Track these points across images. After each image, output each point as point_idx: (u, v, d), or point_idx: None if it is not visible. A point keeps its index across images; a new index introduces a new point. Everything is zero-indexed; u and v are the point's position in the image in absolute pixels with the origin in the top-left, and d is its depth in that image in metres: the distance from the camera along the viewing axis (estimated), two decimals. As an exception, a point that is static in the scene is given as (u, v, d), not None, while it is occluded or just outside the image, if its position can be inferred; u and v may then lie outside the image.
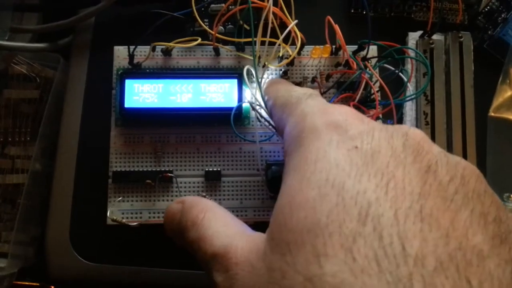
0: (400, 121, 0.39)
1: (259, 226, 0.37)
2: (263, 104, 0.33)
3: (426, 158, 0.19)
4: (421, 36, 0.40)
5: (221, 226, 0.25)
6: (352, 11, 0.43)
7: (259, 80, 0.35)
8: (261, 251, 0.20)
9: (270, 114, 0.32)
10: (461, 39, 0.40)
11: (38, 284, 0.43)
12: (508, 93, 0.41)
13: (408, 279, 0.15)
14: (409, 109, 0.39)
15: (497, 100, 0.41)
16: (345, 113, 0.23)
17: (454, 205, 0.18)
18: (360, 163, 0.19)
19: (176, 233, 0.27)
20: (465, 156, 0.38)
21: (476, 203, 0.18)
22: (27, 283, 0.43)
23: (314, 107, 0.25)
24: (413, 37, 0.41)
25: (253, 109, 0.35)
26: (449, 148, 0.38)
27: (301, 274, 0.17)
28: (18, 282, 0.43)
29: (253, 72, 0.36)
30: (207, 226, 0.25)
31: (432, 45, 0.40)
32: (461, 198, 0.18)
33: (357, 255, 0.16)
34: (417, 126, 0.39)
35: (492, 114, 0.41)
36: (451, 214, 0.17)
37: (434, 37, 0.40)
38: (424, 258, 0.16)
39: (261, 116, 0.35)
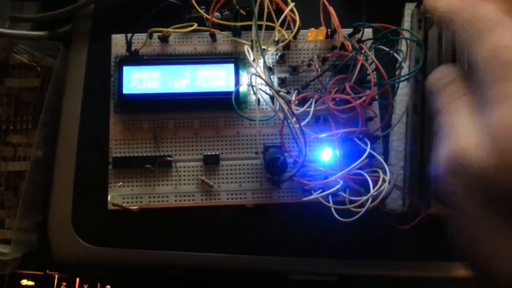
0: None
1: (258, 208, 0.38)
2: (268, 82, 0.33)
3: None
4: (417, 6, 0.40)
5: None
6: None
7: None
8: None
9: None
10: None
11: (42, 272, 0.44)
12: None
13: None
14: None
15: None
16: None
17: None
18: None
19: None
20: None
21: None
22: (31, 272, 0.44)
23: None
24: (409, 7, 0.41)
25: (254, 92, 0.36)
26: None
27: None
28: (23, 271, 0.43)
29: (251, 53, 0.36)
30: None
31: (427, 14, 0.39)
32: None
33: None
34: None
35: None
36: None
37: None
38: None
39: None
